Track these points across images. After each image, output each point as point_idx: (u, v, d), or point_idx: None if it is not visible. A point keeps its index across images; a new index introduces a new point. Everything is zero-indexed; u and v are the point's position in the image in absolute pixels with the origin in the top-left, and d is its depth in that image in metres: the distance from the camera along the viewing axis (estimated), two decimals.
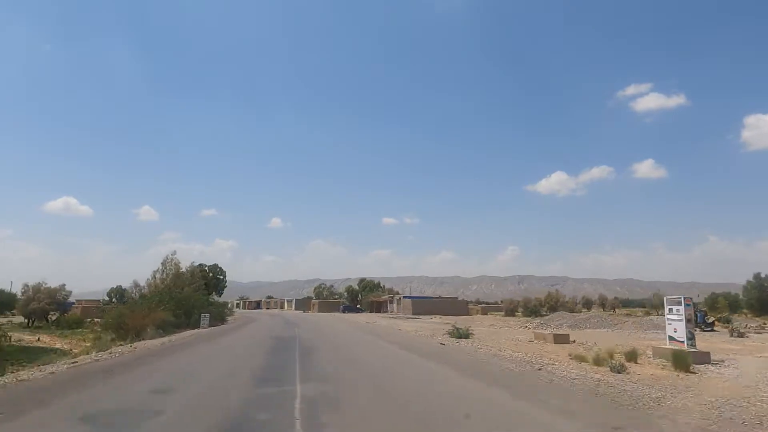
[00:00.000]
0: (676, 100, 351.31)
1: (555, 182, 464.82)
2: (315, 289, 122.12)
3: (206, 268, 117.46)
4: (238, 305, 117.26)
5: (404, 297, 71.01)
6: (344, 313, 67.27)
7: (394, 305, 68.52)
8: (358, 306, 79.07)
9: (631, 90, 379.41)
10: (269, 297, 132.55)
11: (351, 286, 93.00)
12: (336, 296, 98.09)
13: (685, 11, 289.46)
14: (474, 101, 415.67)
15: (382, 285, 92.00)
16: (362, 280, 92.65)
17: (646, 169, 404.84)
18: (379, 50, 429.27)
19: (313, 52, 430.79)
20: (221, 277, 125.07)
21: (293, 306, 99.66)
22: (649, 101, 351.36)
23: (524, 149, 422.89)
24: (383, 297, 76.84)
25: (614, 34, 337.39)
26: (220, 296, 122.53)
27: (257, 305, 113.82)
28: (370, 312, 69.54)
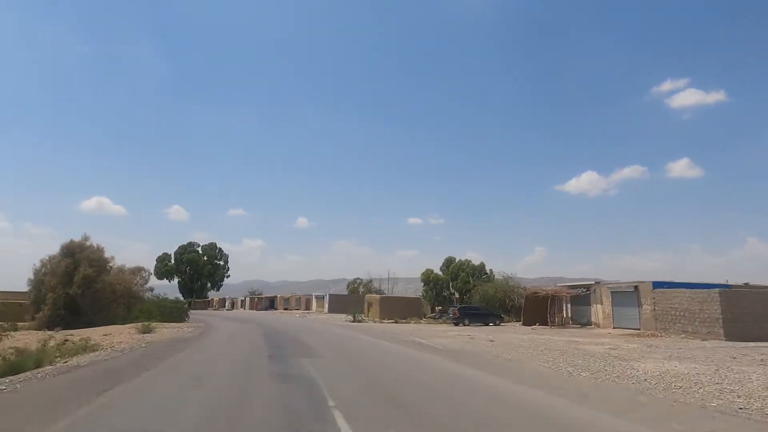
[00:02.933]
0: (715, 96, 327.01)
1: (585, 182, 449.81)
2: (349, 285, 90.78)
3: (197, 250, 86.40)
4: (232, 304, 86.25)
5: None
6: (465, 324, 35.28)
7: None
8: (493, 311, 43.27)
9: (667, 85, 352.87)
10: (290, 294, 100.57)
11: (431, 271, 60.47)
12: (379, 291, 65.99)
13: (727, 1, 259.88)
14: (501, 99, 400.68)
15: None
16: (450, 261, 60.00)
17: (681, 168, 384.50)
18: (403, 53, 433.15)
19: (338, 54, 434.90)
20: (220, 261, 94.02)
21: (326, 306, 68.29)
22: (686, 97, 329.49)
23: (553, 148, 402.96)
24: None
25: (649, 26, 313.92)
26: (215, 287, 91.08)
27: (270, 304, 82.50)
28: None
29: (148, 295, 50.44)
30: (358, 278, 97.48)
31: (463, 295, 55.10)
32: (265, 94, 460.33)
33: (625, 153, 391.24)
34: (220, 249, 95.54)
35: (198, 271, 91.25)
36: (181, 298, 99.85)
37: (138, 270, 53.67)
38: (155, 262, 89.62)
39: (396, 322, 40.17)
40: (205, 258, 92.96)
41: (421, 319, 45.19)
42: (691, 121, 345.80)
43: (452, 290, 56.57)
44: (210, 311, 76.98)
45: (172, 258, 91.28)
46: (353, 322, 39.28)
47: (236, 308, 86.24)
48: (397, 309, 44.37)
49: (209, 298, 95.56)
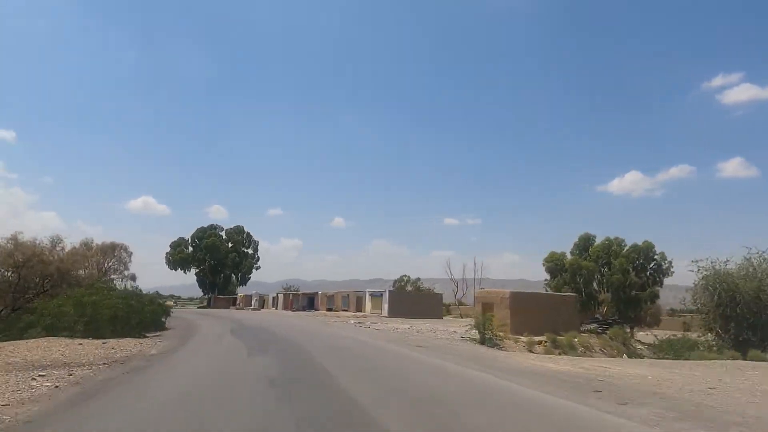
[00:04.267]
0: None
1: (629, 182, 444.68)
2: (396, 284, 73.08)
3: (219, 234, 68.91)
4: (261, 302, 67.82)
5: None
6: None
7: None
8: None
9: (718, 81, 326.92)
10: (335, 291, 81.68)
11: (562, 255, 39.58)
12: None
13: None
14: (540, 98, 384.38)
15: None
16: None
17: (733, 168, 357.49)
18: (439, 53, 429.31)
19: (375, 56, 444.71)
20: (247, 249, 76.08)
21: (385, 306, 49.26)
22: (740, 93, 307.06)
23: (594, 147, 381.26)
24: None
25: (700, 17, 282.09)
26: (242, 281, 73.57)
27: (308, 303, 63.74)
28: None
29: (129, 285, 32.42)
30: (405, 275, 79.96)
31: (621, 293, 34.19)
32: (303, 96, 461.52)
33: (672, 152, 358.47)
34: (249, 234, 77.87)
35: (220, 260, 73.65)
36: (201, 294, 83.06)
37: (111, 248, 35.74)
38: (169, 248, 72.62)
39: (550, 345, 20.19)
40: (230, 245, 75.29)
41: (581, 332, 24.99)
42: (745, 118, 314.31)
43: (602, 286, 35.52)
44: (231, 310, 59.17)
45: (189, 244, 73.97)
46: (480, 343, 19.43)
47: (267, 307, 68.03)
48: (539, 316, 24.09)
49: (235, 295, 77.77)
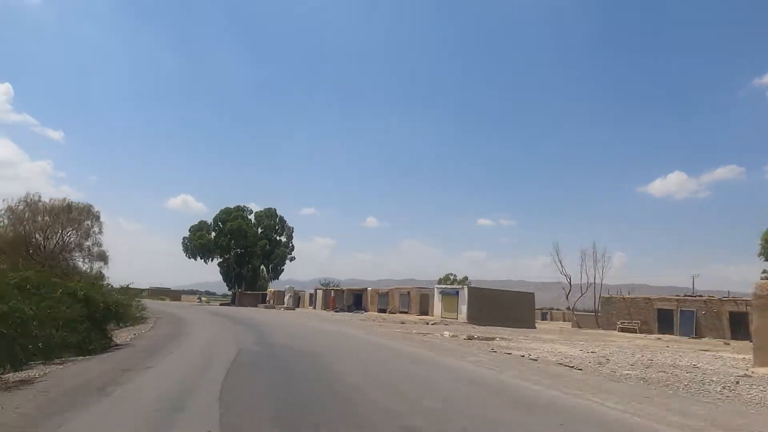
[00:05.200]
0: None
1: (672, 183, 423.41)
2: (440, 281, 60.55)
3: (248, 217, 56.28)
4: (296, 300, 54.99)
5: None
6: None
7: None
8: None
9: None
10: (389, 288, 67.85)
11: None
12: None
13: None
14: (578, 96, 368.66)
15: None
16: None
17: None
18: (477, 50, 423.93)
19: (412, 54, 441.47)
20: (280, 237, 62.79)
21: (463, 309, 35.52)
22: None
23: (635, 147, 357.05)
24: None
25: (751, 9, 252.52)
26: (273, 274, 61.30)
27: (356, 302, 50.41)
28: None
29: (95, 270, 20.07)
30: (451, 274, 71.99)
31: None
32: (337, 95, 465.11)
33: (718, 152, 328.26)
34: (282, 219, 65.28)
35: (248, 248, 61.22)
36: (225, 290, 71.12)
37: (67, 210, 23.22)
38: (188, 232, 60.69)
39: None
40: (260, 230, 62.70)
41: None
42: None
43: None
44: (259, 309, 46.63)
45: (212, 228, 61.86)
46: None
47: (302, 306, 55.12)
48: None
49: (265, 291, 65.41)
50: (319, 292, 55.62)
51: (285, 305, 50.31)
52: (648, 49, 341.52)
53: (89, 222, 25.22)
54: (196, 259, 60.08)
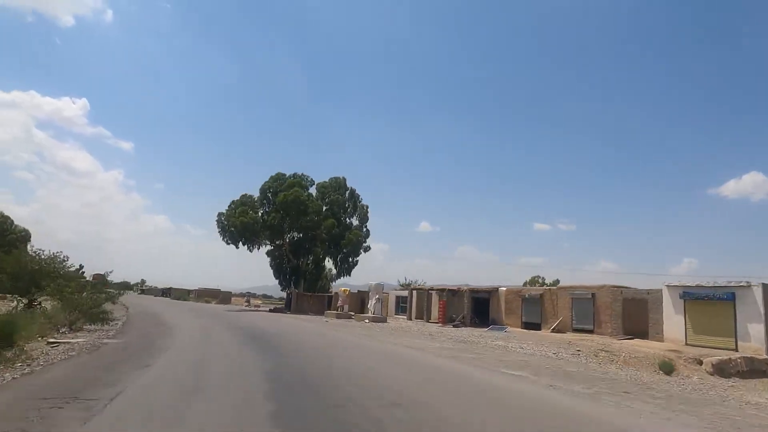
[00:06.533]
0: None
1: (748, 184, 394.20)
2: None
3: (305, 190, 38.36)
4: (380, 307, 35.29)
5: None
6: None
7: None
8: None
9: None
10: (544, 287, 47.23)
11: None
12: None
13: None
14: (643, 91, 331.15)
15: None
16: None
17: None
18: (532, 49, 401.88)
19: (466, 58, 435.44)
20: (351, 218, 39.71)
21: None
22: None
23: (707, 146, 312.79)
24: None
25: None
26: (343, 269, 43.22)
27: (479, 312, 30.63)
28: None
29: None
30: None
31: None
32: (392, 101, 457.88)
33: None
34: (353, 192, 46.83)
35: (310, 230, 43.17)
36: (277, 288, 53.63)
37: None
38: (225, 209, 43.65)
39: None
40: (325, 207, 44.54)
41: None
42: None
43: None
44: (330, 321, 28.23)
45: (258, 203, 44.44)
46: None
47: (391, 314, 35.99)
48: None
49: (328, 290, 47.19)
50: (414, 293, 36.42)
51: (371, 313, 31.16)
52: (721, 42, 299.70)
53: None
54: (237, 246, 42.97)
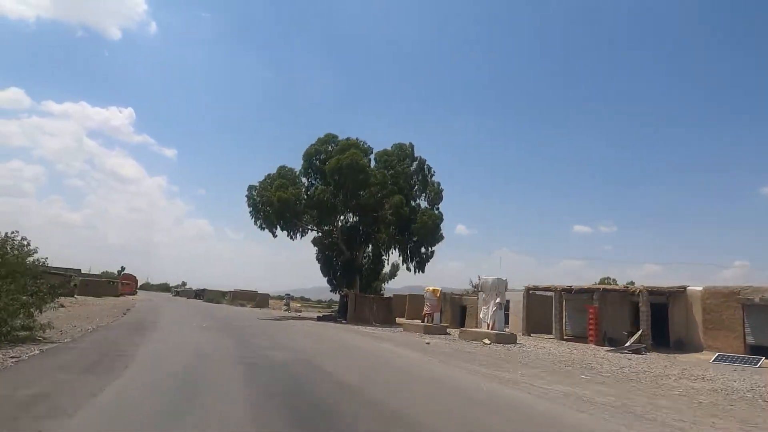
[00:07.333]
0: None
1: None
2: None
3: (360, 157, 27.39)
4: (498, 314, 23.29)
5: None
6: None
7: None
8: None
9: None
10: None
11: None
12: None
13: None
14: (689, 89, 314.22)
15: None
16: None
17: None
18: (573, 46, 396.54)
19: (499, 54, 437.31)
20: (419, 199, 29.86)
21: None
22: None
23: (758, 142, 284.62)
24: None
25: None
26: (413, 264, 33.12)
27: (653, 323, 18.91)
28: None
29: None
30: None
31: None
32: (422, 99, 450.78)
33: None
34: (422, 162, 35.41)
35: (370, 210, 32.04)
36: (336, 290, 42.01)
37: None
38: (257, 183, 33.15)
39: None
40: (390, 182, 32.77)
41: None
42: None
43: None
44: (420, 337, 17.30)
45: (301, 174, 33.73)
46: None
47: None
48: None
49: (383, 293, 35.76)
50: (526, 298, 24.76)
51: (488, 326, 19.12)
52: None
53: None
54: (274, 233, 32.53)
